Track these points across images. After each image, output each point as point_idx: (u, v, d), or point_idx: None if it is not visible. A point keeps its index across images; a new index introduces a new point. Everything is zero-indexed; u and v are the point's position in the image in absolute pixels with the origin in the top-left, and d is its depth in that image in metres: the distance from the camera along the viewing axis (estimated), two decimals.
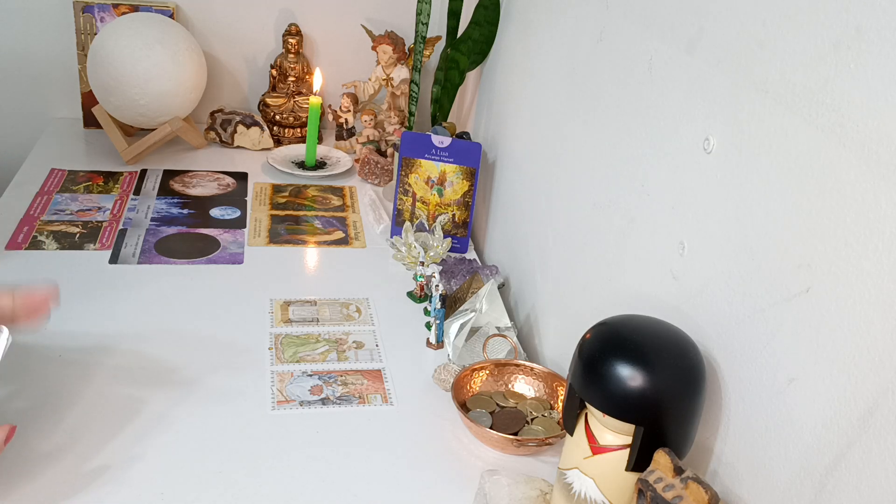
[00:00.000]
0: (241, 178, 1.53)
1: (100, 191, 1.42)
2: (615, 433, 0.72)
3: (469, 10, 1.40)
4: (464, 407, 0.99)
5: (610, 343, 0.70)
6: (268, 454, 0.90)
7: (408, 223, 1.32)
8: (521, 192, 1.25)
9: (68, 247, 1.25)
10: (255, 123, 1.62)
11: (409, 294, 1.23)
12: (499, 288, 1.20)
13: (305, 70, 1.68)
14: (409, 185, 1.34)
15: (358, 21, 1.64)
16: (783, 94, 0.64)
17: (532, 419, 0.98)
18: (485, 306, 1.10)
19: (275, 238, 1.34)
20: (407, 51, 1.59)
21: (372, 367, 1.06)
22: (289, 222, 1.39)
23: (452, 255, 1.33)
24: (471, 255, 1.36)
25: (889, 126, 0.53)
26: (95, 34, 1.54)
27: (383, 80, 1.59)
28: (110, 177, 1.47)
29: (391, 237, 1.35)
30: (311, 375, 1.03)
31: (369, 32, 1.59)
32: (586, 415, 0.75)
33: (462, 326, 1.07)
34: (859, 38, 0.56)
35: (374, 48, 1.57)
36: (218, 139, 1.64)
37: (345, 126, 1.65)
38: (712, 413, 0.73)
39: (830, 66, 0.59)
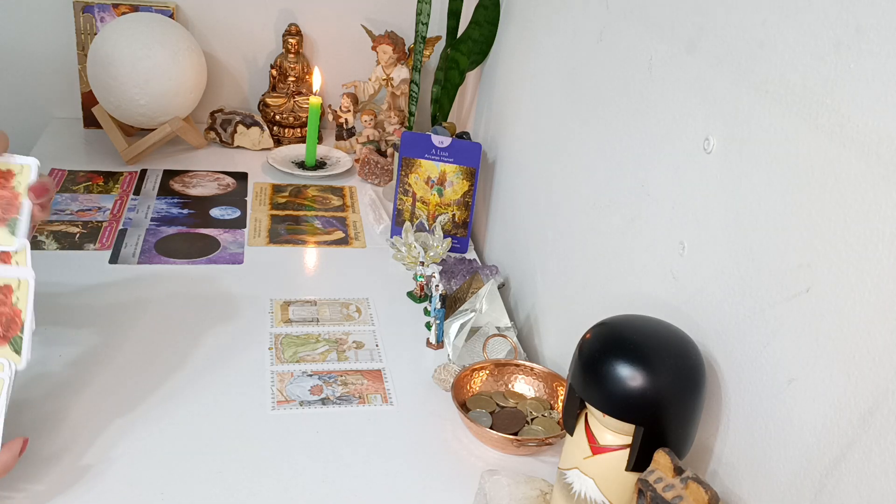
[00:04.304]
0: (241, 178, 1.53)
1: (100, 191, 1.42)
2: (615, 433, 0.72)
3: (469, 10, 1.40)
4: (464, 407, 0.99)
5: (610, 343, 0.70)
6: (268, 454, 0.90)
7: (408, 223, 1.32)
8: (521, 192, 1.25)
9: (68, 247, 1.25)
10: (255, 123, 1.62)
11: (409, 294, 1.23)
12: (499, 288, 1.20)
13: (305, 70, 1.68)
14: (409, 185, 1.34)
15: (358, 21, 1.64)
16: (783, 94, 0.64)
17: (532, 419, 0.98)
18: (485, 306, 1.10)
19: (275, 238, 1.34)
20: (407, 51, 1.59)
21: (372, 367, 1.06)
22: (289, 222, 1.39)
23: (452, 255, 1.33)
24: (471, 255, 1.36)
25: (889, 126, 0.53)
26: (95, 34, 1.54)
27: (383, 80, 1.59)
28: (110, 177, 1.47)
29: (391, 237, 1.35)
30: (311, 375, 1.03)
31: (369, 32, 1.59)
32: (586, 415, 0.75)
33: (462, 326, 1.08)
34: (859, 38, 0.56)
35: (374, 48, 1.57)
36: (218, 139, 1.64)
37: (345, 126, 1.65)
38: (712, 413, 0.73)
39: (830, 66, 0.59)
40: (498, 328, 1.11)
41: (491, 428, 0.93)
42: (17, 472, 0.84)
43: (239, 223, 1.37)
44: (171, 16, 1.57)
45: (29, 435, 0.88)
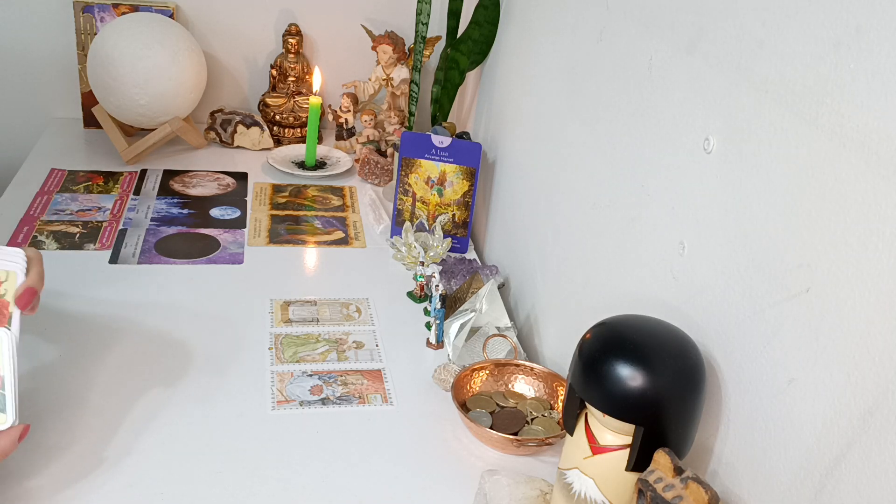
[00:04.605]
0: (241, 178, 1.53)
1: (100, 191, 1.42)
2: (615, 433, 0.72)
3: (469, 10, 1.40)
4: (464, 407, 0.99)
5: (610, 343, 0.70)
6: (268, 454, 0.90)
7: (408, 223, 1.32)
8: (521, 192, 1.25)
9: (68, 247, 1.25)
10: (255, 123, 1.62)
11: (409, 294, 1.23)
12: (499, 288, 1.20)
13: (305, 70, 1.68)
14: (409, 185, 1.34)
15: (358, 21, 1.64)
16: (783, 94, 0.64)
17: (532, 419, 0.98)
18: (485, 306, 1.10)
19: (275, 238, 1.34)
20: (407, 51, 1.59)
21: (372, 367, 1.06)
22: (289, 222, 1.39)
23: (452, 255, 1.33)
24: (471, 255, 1.36)
25: (889, 126, 0.53)
26: (95, 34, 1.54)
27: (383, 80, 1.59)
28: (110, 177, 1.47)
29: (391, 237, 1.35)
30: (311, 375, 1.03)
31: (369, 32, 1.59)
32: (586, 415, 0.75)
33: (462, 326, 1.08)
34: (859, 38, 0.56)
35: (374, 48, 1.57)
36: (218, 139, 1.64)
37: (345, 126, 1.65)
38: (712, 413, 0.73)
39: (830, 66, 0.59)
40: (498, 328, 1.11)
41: (491, 428, 0.93)
42: (17, 473, 0.84)
43: (239, 223, 1.37)
44: (171, 16, 1.57)
45: (29, 436, 0.88)
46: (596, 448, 0.73)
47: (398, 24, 1.66)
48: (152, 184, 1.47)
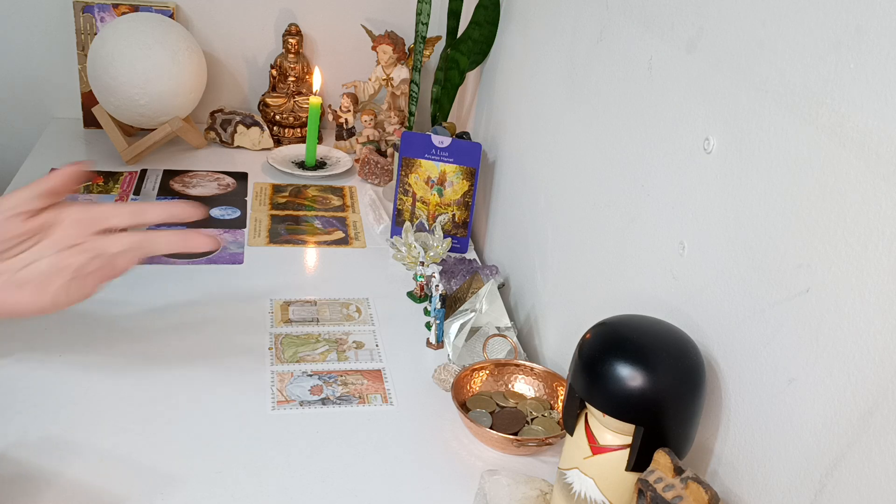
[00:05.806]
0: (241, 178, 1.53)
1: (100, 191, 1.42)
2: (615, 433, 0.72)
3: (469, 10, 1.40)
4: (464, 407, 0.99)
5: (610, 343, 0.70)
6: (268, 454, 0.90)
7: (408, 223, 1.32)
8: (521, 192, 1.25)
9: None
10: (255, 123, 1.62)
11: (409, 294, 1.23)
12: (499, 288, 1.20)
13: (305, 70, 1.68)
14: (409, 185, 1.34)
15: (358, 21, 1.64)
16: (783, 94, 0.64)
17: (532, 419, 0.98)
18: (485, 306, 1.10)
19: (275, 238, 1.34)
20: (407, 51, 1.59)
21: (372, 367, 1.06)
22: (289, 222, 1.39)
23: (452, 255, 1.33)
24: (471, 255, 1.36)
25: (889, 126, 0.53)
26: (95, 34, 1.54)
27: (383, 80, 1.59)
28: (110, 177, 1.47)
29: (391, 237, 1.35)
30: (311, 375, 1.03)
31: (369, 32, 1.59)
32: (586, 415, 0.75)
33: (462, 326, 1.07)
34: (859, 38, 0.56)
35: (374, 48, 1.57)
36: (218, 139, 1.64)
37: (345, 126, 1.65)
38: (712, 413, 0.73)
39: (830, 66, 0.59)
40: (498, 328, 1.11)
41: (491, 428, 0.93)
42: (17, 466, 0.84)
43: (239, 223, 1.37)
44: (171, 16, 1.57)
45: (26, 431, 0.88)
46: (596, 448, 0.73)
47: (398, 24, 1.66)
48: (152, 184, 1.46)
